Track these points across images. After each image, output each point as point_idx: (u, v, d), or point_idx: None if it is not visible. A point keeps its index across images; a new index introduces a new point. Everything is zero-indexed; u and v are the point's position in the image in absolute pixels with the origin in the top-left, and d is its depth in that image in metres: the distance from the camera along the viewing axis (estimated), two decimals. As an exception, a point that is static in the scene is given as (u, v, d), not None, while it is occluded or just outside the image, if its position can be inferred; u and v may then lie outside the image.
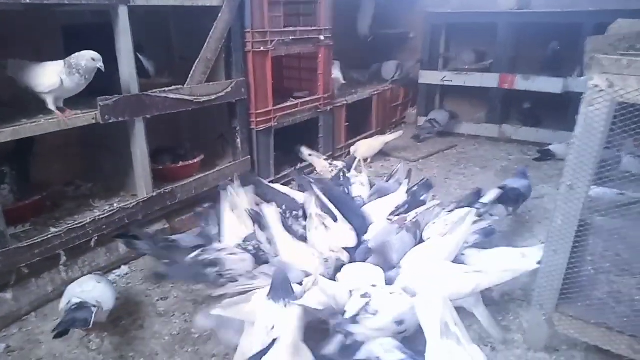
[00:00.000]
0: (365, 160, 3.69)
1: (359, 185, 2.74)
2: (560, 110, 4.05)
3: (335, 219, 2.29)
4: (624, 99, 1.36)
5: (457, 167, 3.82)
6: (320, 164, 3.50)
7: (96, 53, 2.05)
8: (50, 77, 2.02)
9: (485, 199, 2.43)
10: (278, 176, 3.34)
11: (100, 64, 2.05)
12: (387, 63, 4.85)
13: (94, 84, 2.31)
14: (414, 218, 2.20)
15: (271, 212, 2.16)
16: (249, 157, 3.08)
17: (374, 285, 1.76)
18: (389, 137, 3.93)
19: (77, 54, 2.05)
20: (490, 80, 4.38)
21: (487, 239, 2.16)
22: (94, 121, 2.16)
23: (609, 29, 1.95)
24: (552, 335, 1.75)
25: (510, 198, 2.62)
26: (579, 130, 1.46)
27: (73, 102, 2.29)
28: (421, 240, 2.20)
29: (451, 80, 4.59)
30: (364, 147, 3.80)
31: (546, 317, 1.70)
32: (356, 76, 4.70)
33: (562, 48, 4.06)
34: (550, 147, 3.90)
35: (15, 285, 1.98)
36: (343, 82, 4.11)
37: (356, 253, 2.16)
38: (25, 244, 1.97)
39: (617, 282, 1.73)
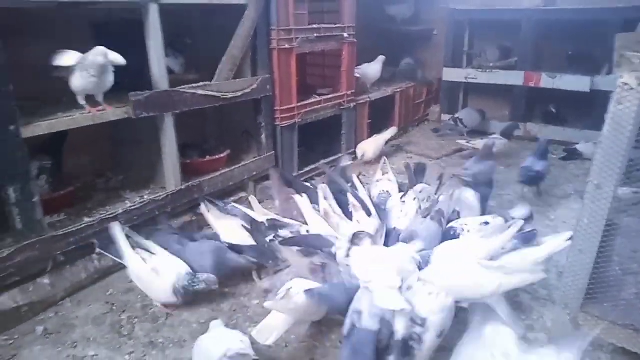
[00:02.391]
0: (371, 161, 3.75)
1: (386, 182, 2.77)
2: (586, 109, 3.99)
3: (369, 214, 2.33)
4: (655, 97, 1.35)
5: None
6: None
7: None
8: None
9: (516, 214, 2.29)
10: (302, 171, 3.38)
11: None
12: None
13: (123, 79, 2.40)
14: (436, 207, 2.24)
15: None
16: (273, 152, 3.13)
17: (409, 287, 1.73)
18: (387, 135, 3.90)
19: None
20: (515, 78, 4.32)
21: (527, 245, 2.04)
22: (126, 116, 2.23)
23: (639, 26, 1.92)
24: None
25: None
26: (607, 128, 1.46)
27: (105, 97, 2.37)
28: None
29: (476, 78, 4.55)
30: (373, 147, 3.77)
31: (571, 316, 1.69)
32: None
33: (578, 51, 4.09)
34: (577, 147, 3.84)
35: (52, 271, 2.07)
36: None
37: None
38: (61, 233, 2.06)
39: (645, 284, 1.71)
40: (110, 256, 2.10)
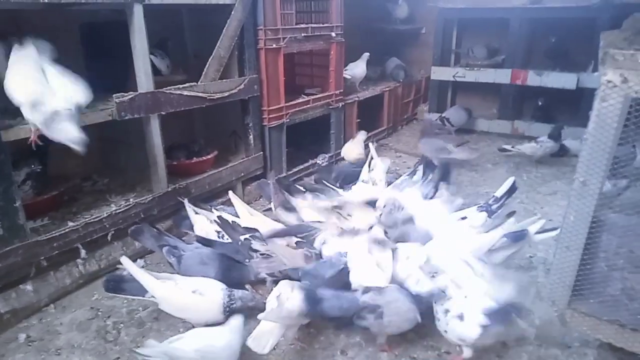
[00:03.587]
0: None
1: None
2: (574, 106, 4.02)
3: None
4: (639, 94, 1.35)
5: (469, 164, 3.80)
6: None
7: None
8: None
9: (498, 193, 2.40)
10: (290, 172, 3.37)
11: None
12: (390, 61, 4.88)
13: (108, 81, 2.37)
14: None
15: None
16: (262, 153, 3.11)
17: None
18: (362, 137, 3.76)
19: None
20: (502, 76, 4.34)
21: (516, 243, 2.07)
22: (110, 118, 2.20)
23: (624, 23, 1.93)
24: (565, 332, 1.76)
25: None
26: (592, 126, 1.46)
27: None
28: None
29: (464, 77, 4.56)
30: (356, 150, 3.68)
31: (558, 313, 1.70)
32: (368, 72, 4.70)
33: (561, 40, 4.11)
34: (565, 142, 3.86)
35: (35, 277, 2.03)
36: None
37: None
38: (44, 238, 2.03)
39: (630, 279, 1.71)
40: (129, 296, 1.94)
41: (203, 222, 2.40)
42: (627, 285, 1.67)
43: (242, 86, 2.81)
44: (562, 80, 4.00)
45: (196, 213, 2.46)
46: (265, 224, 2.32)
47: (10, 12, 2.31)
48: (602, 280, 1.65)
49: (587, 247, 1.58)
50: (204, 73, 2.59)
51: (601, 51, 1.47)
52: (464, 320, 1.63)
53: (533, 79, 4.17)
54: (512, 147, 3.77)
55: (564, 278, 1.65)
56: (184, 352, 1.53)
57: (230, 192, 2.61)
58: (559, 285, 1.66)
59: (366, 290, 1.77)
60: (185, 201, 2.51)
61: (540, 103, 4.38)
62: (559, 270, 1.65)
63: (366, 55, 4.10)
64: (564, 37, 4.11)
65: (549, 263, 2.27)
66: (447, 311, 1.68)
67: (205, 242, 2.23)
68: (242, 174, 2.99)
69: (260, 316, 1.65)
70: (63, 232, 2.09)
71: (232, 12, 2.65)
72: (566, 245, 1.61)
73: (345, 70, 3.85)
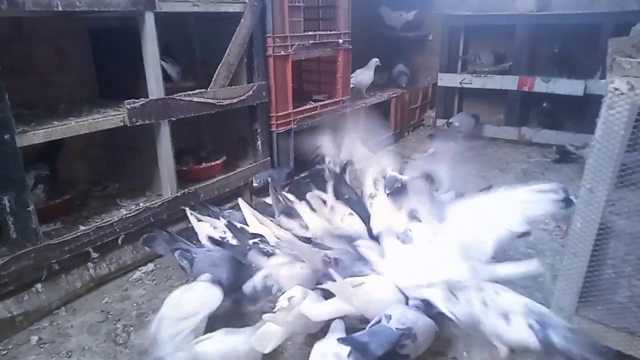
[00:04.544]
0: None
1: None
2: (580, 112, 4.02)
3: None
4: (646, 102, 1.36)
5: (476, 170, 3.80)
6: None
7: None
8: None
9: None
10: (297, 177, 3.38)
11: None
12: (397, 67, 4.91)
13: (118, 87, 2.41)
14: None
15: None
16: (269, 158, 3.14)
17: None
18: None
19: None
20: (509, 82, 4.35)
21: None
22: (121, 123, 2.23)
23: (632, 30, 1.94)
24: (572, 339, 1.74)
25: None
26: (599, 133, 1.46)
27: (100, 104, 2.39)
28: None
29: (470, 83, 4.58)
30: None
31: (566, 320, 1.70)
32: (375, 78, 4.73)
33: (566, 47, 4.14)
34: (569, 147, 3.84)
35: (47, 280, 2.06)
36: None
37: None
38: (56, 241, 2.06)
39: (638, 287, 1.71)
40: None
41: (206, 230, 2.39)
42: (636, 293, 1.67)
43: (250, 92, 2.85)
44: (569, 87, 4.01)
45: (199, 220, 2.46)
46: (274, 232, 2.34)
47: (14, 19, 2.37)
48: (610, 287, 1.65)
49: (595, 253, 1.58)
50: (213, 80, 2.63)
51: (609, 58, 1.48)
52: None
53: (540, 85, 4.17)
54: (576, 149, 3.80)
55: (571, 285, 1.65)
56: (207, 355, 1.58)
57: (240, 199, 2.63)
58: (566, 291, 1.67)
59: (388, 316, 1.66)
60: (187, 210, 2.51)
61: (544, 104, 4.38)
62: (566, 276, 1.65)
63: (374, 61, 4.12)
64: (570, 44, 4.12)
65: (556, 270, 2.26)
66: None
67: (216, 242, 2.25)
68: (251, 179, 3.01)
69: (265, 316, 1.66)
70: (74, 235, 2.12)
71: (242, 20, 2.69)
72: (573, 251, 1.61)
73: (351, 77, 3.87)
